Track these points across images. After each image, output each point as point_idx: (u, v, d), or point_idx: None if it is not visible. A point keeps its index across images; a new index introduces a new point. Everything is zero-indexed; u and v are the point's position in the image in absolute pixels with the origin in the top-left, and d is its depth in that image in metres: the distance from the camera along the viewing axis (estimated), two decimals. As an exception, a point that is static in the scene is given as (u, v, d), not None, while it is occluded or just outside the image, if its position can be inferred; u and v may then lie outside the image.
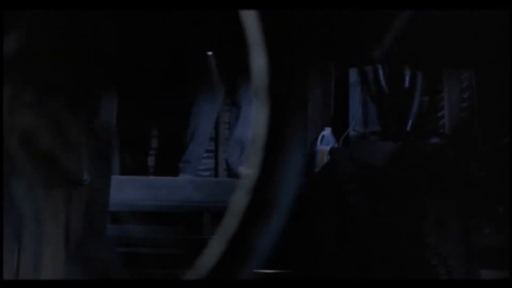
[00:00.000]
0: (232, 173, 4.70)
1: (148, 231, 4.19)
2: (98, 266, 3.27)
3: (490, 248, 3.83)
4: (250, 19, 0.90)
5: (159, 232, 4.33)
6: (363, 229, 3.66)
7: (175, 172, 4.70)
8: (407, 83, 4.33)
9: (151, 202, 4.33)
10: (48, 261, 3.54)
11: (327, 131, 4.76)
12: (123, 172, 4.53)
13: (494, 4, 1.96)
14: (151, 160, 4.96)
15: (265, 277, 3.66)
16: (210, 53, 4.62)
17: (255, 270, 0.94)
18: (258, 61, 0.89)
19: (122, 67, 4.09)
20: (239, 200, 0.89)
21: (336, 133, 4.79)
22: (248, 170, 0.90)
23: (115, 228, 4.18)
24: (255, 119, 0.90)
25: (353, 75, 4.80)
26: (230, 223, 0.89)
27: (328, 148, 4.57)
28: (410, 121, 4.24)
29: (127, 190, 4.34)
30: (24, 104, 2.16)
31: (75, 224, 3.43)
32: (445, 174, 3.89)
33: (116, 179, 4.30)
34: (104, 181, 3.63)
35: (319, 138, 4.75)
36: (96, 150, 3.59)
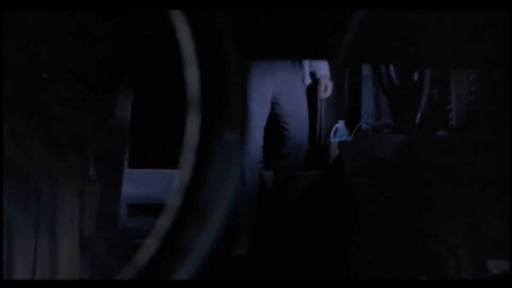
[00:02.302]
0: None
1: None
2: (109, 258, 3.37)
3: (498, 239, 3.86)
4: (184, 35, 0.99)
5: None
6: (371, 222, 3.71)
7: None
8: (415, 77, 4.37)
9: (167, 195, 4.41)
10: (64, 253, 3.65)
11: (340, 124, 4.83)
12: (140, 166, 4.62)
13: (494, 4, 2.00)
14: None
15: (272, 269, 3.75)
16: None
17: (200, 269, 1.01)
18: (192, 75, 0.98)
19: (139, 64, 4.17)
20: (173, 200, 0.98)
21: (349, 126, 4.85)
22: (182, 172, 0.99)
23: (132, 220, 4.29)
24: (188, 126, 0.98)
25: (365, 68, 4.86)
26: (164, 222, 0.98)
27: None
28: (419, 114, 4.28)
29: (144, 183, 4.43)
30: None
31: (88, 217, 3.54)
32: (454, 166, 3.92)
33: (133, 173, 4.41)
34: (117, 175, 3.73)
35: (333, 131, 4.82)
36: (109, 146, 3.70)
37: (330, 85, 4.56)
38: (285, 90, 4.38)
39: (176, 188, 0.98)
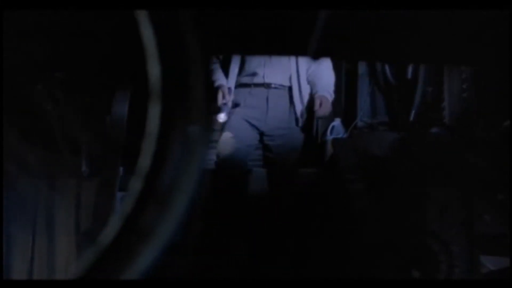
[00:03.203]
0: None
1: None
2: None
3: (489, 234, 3.89)
4: (147, 32, 1.05)
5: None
6: (363, 218, 3.74)
7: None
8: (409, 75, 4.40)
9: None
10: (62, 251, 3.71)
11: (336, 122, 4.85)
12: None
13: (494, 4, 2.01)
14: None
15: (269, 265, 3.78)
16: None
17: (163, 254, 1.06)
18: (153, 69, 1.04)
19: (137, 63, 4.21)
20: (134, 186, 1.04)
21: (345, 124, 4.88)
22: (142, 158, 1.04)
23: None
24: (149, 115, 1.04)
25: (362, 66, 4.89)
26: (125, 205, 1.03)
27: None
28: (413, 112, 4.31)
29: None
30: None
31: (84, 212, 3.60)
32: (447, 163, 3.95)
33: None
34: (113, 173, 3.78)
35: (329, 129, 4.84)
36: (105, 144, 3.75)
37: (325, 104, 4.17)
38: (275, 135, 4.22)
39: (137, 175, 1.04)
